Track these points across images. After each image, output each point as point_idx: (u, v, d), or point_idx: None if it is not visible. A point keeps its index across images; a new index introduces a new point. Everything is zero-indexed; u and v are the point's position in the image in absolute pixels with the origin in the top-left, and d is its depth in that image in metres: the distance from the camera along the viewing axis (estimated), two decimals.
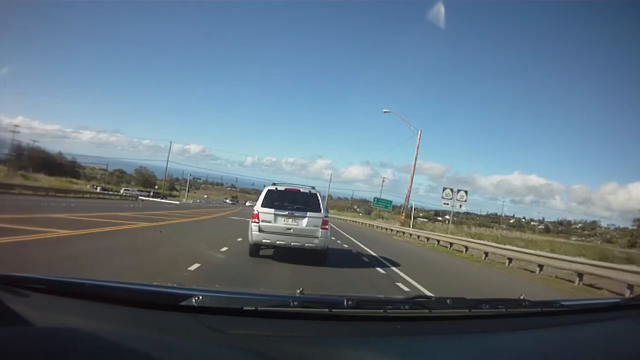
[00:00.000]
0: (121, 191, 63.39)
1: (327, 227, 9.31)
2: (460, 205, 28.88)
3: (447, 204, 28.86)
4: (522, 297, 1.91)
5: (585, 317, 2.01)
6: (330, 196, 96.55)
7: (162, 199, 65.45)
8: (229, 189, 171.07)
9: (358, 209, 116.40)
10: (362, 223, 50.50)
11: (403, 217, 33.20)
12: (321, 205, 9.41)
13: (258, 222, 9.03)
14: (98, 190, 55.34)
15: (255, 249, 9.31)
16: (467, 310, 1.71)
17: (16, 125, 66.62)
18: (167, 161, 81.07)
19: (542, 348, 1.59)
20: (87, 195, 39.41)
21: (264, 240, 9.01)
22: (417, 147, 32.88)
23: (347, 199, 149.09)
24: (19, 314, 1.30)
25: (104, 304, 1.48)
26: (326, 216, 9.47)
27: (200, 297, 1.46)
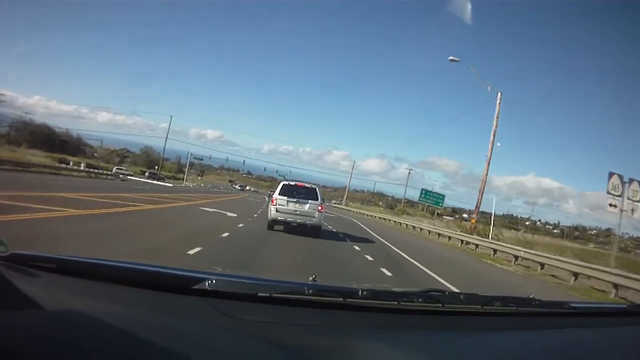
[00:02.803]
0: (113, 170, 57.82)
1: (322, 210, 13.80)
2: (632, 210, 16.06)
3: (615, 205, 16.07)
4: (531, 296, 1.88)
5: (594, 320, 1.98)
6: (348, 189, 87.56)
7: (158, 180, 58.87)
8: (244, 175, 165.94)
9: (380, 203, 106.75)
10: (396, 222, 39.25)
11: (474, 221, 22.74)
12: (318, 196, 13.89)
13: (276, 205, 13.36)
14: (82, 167, 49.21)
15: (272, 224, 13.47)
16: (479, 307, 1.68)
17: (1, 94, 58.79)
18: (166, 138, 72.08)
19: (551, 348, 1.57)
20: (46, 171, 31.40)
21: (278, 217, 13.31)
22: (497, 117, 22.67)
23: (364, 191, 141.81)
24: (28, 295, 1.17)
25: (116, 285, 1.42)
26: (322, 203, 13.97)
27: (214, 281, 1.42)
